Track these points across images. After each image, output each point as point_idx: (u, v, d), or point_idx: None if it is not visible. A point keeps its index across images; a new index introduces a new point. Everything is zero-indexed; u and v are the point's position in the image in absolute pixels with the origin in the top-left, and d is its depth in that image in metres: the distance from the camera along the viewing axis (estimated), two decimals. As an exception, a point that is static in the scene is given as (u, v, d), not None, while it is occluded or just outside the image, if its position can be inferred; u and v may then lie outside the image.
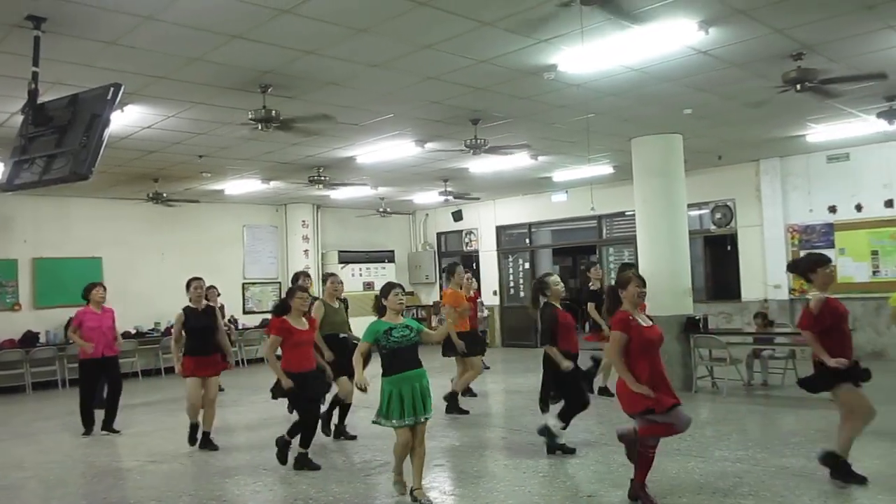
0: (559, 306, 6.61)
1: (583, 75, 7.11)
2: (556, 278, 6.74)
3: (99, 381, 8.54)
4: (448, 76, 7.03)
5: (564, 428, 6.53)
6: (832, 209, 12.19)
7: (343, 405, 7.47)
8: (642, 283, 5.10)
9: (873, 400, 5.33)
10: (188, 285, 7.54)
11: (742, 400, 9.02)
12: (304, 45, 5.99)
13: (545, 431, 6.56)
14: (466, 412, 8.60)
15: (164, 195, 12.60)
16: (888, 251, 11.59)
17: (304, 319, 6.51)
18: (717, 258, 14.16)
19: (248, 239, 16.20)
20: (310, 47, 6.05)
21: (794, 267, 5.68)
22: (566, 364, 6.36)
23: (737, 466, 5.97)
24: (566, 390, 6.54)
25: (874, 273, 11.75)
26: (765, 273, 12.89)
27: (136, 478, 6.56)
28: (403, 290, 5.50)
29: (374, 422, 5.23)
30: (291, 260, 16.51)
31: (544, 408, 6.89)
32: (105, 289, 8.56)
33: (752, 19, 5.80)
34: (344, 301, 7.69)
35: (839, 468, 5.31)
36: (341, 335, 7.43)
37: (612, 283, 8.15)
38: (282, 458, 6.39)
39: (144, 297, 13.80)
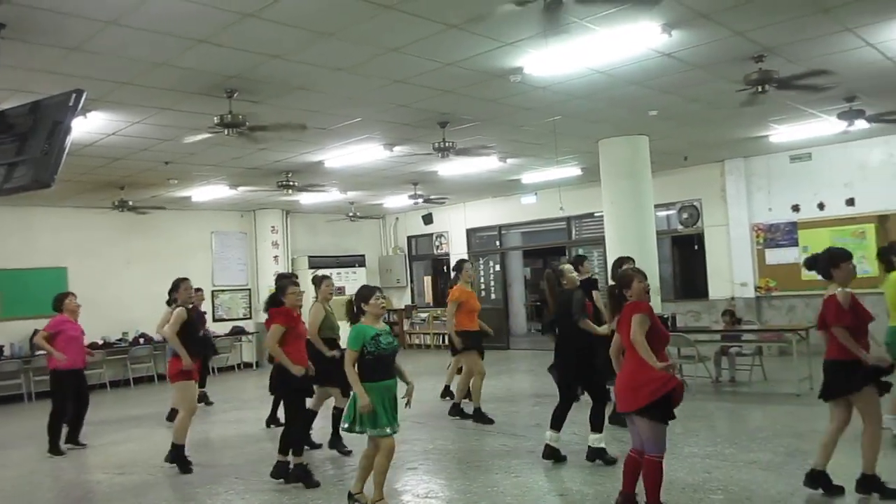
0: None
1: (549, 78, 7.17)
2: (570, 266, 6.68)
3: (70, 394, 8.13)
4: (415, 79, 7.05)
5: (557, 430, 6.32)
6: (795, 208, 12.41)
7: (340, 411, 7.11)
8: (644, 277, 4.90)
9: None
10: (177, 286, 7.16)
11: (710, 397, 9.14)
12: (269, 49, 5.96)
13: (600, 454, 6.17)
14: (492, 421, 8.14)
15: (131, 203, 12.42)
16: (850, 249, 11.75)
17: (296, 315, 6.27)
18: (685, 258, 14.35)
19: (216, 246, 16.05)
20: (275, 52, 6.02)
21: (814, 263, 5.22)
22: (603, 329, 6.14)
23: (706, 462, 6.05)
24: (592, 377, 6.27)
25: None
26: (731, 272, 13.08)
27: (105, 490, 6.46)
28: (383, 293, 5.25)
29: (346, 429, 5.04)
30: (261, 266, 16.41)
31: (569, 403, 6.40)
32: (75, 297, 8.29)
33: (714, 22, 5.90)
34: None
35: (874, 486, 4.92)
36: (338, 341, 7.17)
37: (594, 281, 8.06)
38: (304, 480, 5.98)
39: (112, 306, 13.59)
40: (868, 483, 4.93)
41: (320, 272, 8.12)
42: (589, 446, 6.23)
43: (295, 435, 6.11)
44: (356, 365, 4.93)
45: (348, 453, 6.97)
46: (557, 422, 6.32)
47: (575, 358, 6.28)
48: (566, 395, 6.38)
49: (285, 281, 6.45)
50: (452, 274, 9.32)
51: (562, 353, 6.43)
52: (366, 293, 5.07)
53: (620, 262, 7.28)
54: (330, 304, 7.35)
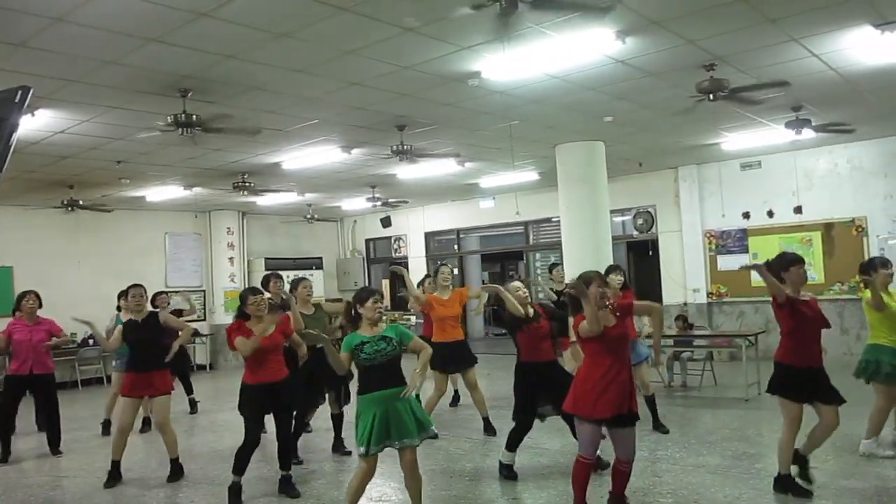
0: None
1: (506, 82, 7.21)
2: (517, 284, 6.21)
3: (21, 401, 7.84)
4: (372, 82, 7.02)
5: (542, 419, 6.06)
6: (746, 215, 12.67)
7: (336, 416, 7.10)
8: (605, 283, 4.86)
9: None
10: (125, 294, 6.78)
11: (662, 401, 9.19)
12: (223, 49, 5.88)
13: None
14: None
15: (81, 202, 12.14)
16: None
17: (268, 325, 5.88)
18: (640, 263, 14.57)
19: (170, 247, 15.80)
20: (230, 52, 5.94)
21: (768, 268, 5.27)
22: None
23: (656, 466, 6.14)
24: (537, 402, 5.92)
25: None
26: (685, 277, 13.30)
27: (46, 495, 6.30)
28: (382, 296, 4.91)
29: (362, 454, 4.59)
30: (216, 268, 16.21)
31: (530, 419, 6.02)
32: (37, 297, 7.91)
33: (666, 30, 5.99)
34: (318, 306, 7.31)
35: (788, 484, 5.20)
36: (318, 345, 6.83)
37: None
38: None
39: (60, 307, 12.91)
40: (783, 482, 5.20)
41: (291, 274, 7.93)
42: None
43: (242, 453, 5.71)
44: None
45: (348, 453, 6.98)
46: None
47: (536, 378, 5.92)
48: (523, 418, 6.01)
49: (245, 291, 6.08)
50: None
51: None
52: (362, 296, 4.76)
53: (609, 271, 7.33)
54: (311, 308, 7.16)
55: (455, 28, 5.67)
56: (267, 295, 6.27)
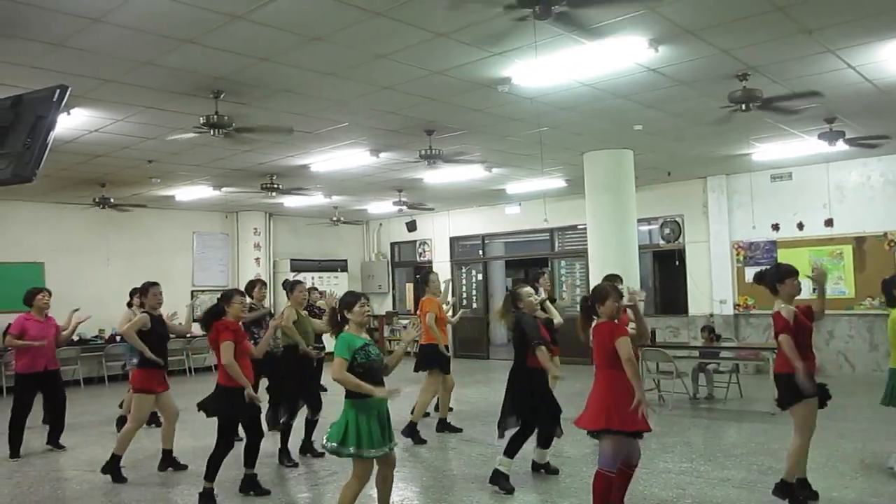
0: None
1: (536, 89, 7.20)
2: (528, 289, 6.21)
3: (34, 397, 7.82)
4: (402, 86, 7.05)
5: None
6: (775, 227, 12.53)
7: (310, 421, 7.22)
8: (620, 296, 4.89)
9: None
10: (145, 291, 6.87)
11: (687, 412, 9.19)
12: (257, 51, 5.94)
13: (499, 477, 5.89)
14: (424, 441, 7.78)
15: (112, 200, 12.33)
16: (827, 269, 11.94)
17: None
18: (666, 273, 14.44)
19: (197, 246, 15.96)
20: (263, 54, 6.01)
21: (762, 277, 5.51)
22: (557, 373, 6.03)
23: (680, 478, 6.08)
24: (540, 409, 5.95)
25: (813, 290, 12.03)
26: (711, 288, 13.16)
27: (75, 488, 6.39)
28: (368, 300, 4.87)
29: (329, 449, 4.45)
30: (242, 268, 16.32)
31: (502, 432, 6.12)
32: (50, 294, 7.95)
33: (700, 39, 5.95)
34: (320, 311, 7.43)
35: (788, 491, 5.25)
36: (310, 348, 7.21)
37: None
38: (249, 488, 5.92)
39: (89, 303, 13.22)
40: (784, 489, 5.22)
41: (293, 276, 8.13)
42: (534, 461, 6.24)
43: (217, 459, 5.74)
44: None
45: (321, 455, 7.02)
46: (542, 442, 6.20)
47: (530, 389, 5.94)
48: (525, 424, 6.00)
49: (232, 290, 6.20)
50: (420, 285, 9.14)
51: (517, 382, 6.06)
52: (350, 300, 4.70)
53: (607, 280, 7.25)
54: (304, 312, 7.35)
55: (487, 34, 5.68)
56: (248, 300, 6.31)
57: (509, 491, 5.78)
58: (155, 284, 6.92)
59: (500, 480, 5.87)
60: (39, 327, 7.71)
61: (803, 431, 5.19)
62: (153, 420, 8.43)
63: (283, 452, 6.96)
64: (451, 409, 8.73)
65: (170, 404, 6.81)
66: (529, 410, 5.94)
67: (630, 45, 5.96)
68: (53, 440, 7.95)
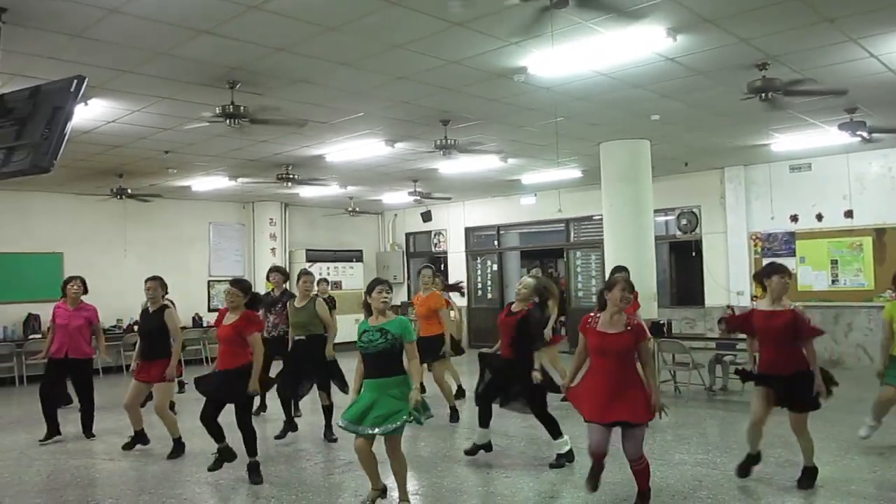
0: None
1: (553, 79, 7.15)
2: (529, 280, 6.42)
3: (60, 383, 8.07)
4: (418, 76, 7.03)
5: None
6: (794, 218, 12.40)
7: (326, 408, 7.42)
8: (632, 288, 5.01)
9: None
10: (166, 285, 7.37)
11: (703, 404, 9.14)
12: (272, 41, 5.93)
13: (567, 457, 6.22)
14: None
15: (129, 191, 12.41)
16: (847, 261, 11.83)
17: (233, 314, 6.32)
18: (682, 264, 14.35)
19: (213, 236, 16.04)
20: (279, 44, 6.00)
21: (756, 275, 5.68)
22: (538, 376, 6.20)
23: (696, 470, 6.05)
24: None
25: (833, 282, 11.99)
26: (728, 279, 13.07)
27: (95, 476, 6.45)
28: (390, 286, 5.12)
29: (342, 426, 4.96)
30: (258, 258, 16.39)
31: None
32: (82, 283, 8.02)
33: (719, 28, 5.88)
34: (331, 300, 7.67)
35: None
36: (296, 337, 7.50)
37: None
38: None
39: (106, 293, 13.46)
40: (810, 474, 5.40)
41: (308, 267, 8.43)
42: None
43: (254, 435, 6.07)
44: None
45: (335, 440, 7.25)
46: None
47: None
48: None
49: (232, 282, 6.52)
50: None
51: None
52: (371, 285, 5.09)
53: (615, 271, 7.61)
54: (305, 300, 7.53)
55: (503, 23, 5.64)
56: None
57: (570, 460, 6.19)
58: (153, 279, 7.21)
59: (560, 460, 6.18)
60: (67, 315, 7.88)
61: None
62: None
63: (328, 427, 7.33)
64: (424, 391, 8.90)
65: (159, 396, 7.00)
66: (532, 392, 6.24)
67: (648, 34, 5.90)
68: (84, 428, 7.99)
